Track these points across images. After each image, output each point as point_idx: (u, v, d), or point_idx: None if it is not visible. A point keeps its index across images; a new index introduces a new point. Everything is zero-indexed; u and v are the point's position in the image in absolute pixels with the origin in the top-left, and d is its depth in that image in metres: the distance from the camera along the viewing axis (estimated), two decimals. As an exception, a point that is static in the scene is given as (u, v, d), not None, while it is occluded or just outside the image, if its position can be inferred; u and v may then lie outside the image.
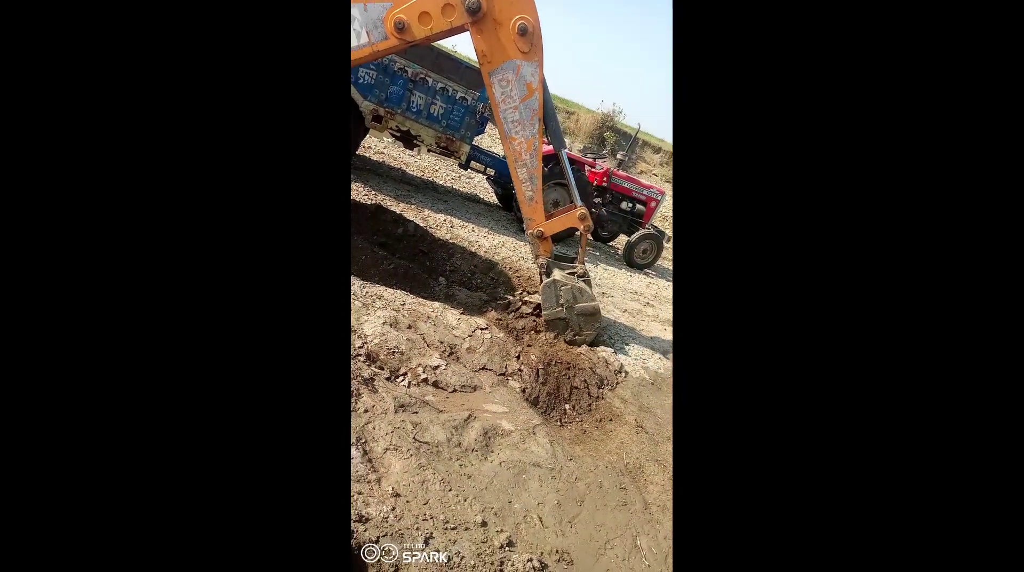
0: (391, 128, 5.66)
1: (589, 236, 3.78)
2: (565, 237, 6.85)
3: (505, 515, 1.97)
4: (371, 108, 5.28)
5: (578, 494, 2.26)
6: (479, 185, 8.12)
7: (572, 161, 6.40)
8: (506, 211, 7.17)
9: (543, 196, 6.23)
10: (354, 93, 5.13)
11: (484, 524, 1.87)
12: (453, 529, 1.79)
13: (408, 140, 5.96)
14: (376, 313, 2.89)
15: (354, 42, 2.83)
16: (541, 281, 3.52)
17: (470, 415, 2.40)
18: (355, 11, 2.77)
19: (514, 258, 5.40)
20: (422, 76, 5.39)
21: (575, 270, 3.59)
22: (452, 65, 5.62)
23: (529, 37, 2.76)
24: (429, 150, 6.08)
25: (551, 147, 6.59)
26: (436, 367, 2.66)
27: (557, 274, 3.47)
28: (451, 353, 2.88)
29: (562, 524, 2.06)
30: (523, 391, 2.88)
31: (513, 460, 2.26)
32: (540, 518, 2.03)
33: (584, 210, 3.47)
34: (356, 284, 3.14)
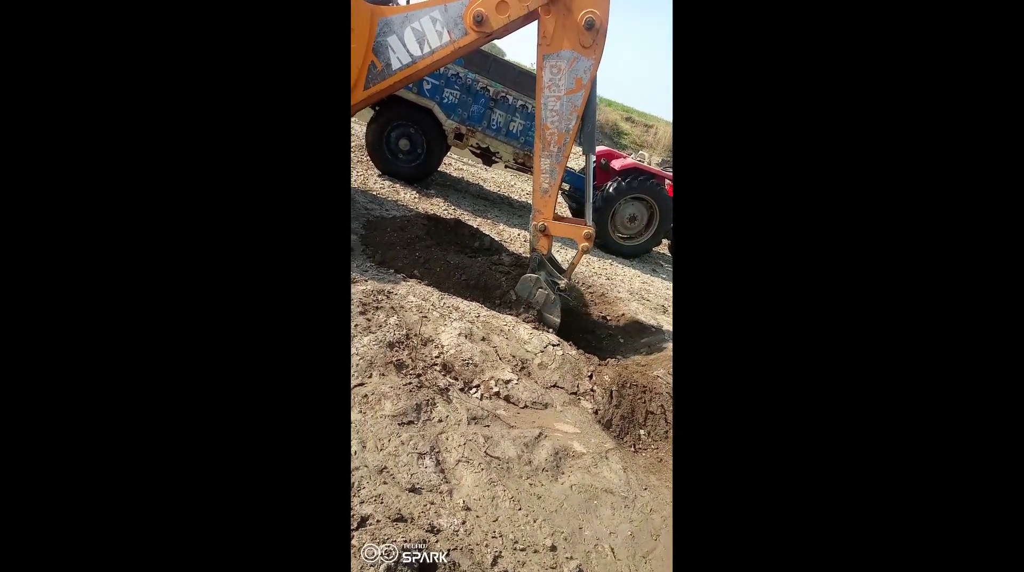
0: (471, 145, 5.86)
1: (586, 253, 3.61)
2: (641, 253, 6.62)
3: (575, 541, 1.89)
4: (453, 126, 5.51)
5: (653, 528, 2.12)
6: (553, 199, 8.13)
7: (651, 175, 6.20)
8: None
9: (620, 207, 6.12)
10: (438, 112, 5.39)
11: (553, 548, 1.81)
12: (522, 550, 1.75)
13: (487, 156, 6.13)
14: (452, 324, 2.96)
15: (436, 43, 2.97)
16: (528, 268, 3.53)
17: (541, 433, 2.35)
18: (436, 13, 2.91)
19: (587, 274, 5.31)
20: (503, 95, 5.54)
21: (559, 282, 3.51)
22: (532, 83, 5.72)
23: (593, 32, 2.77)
24: (507, 166, 6.20)
25: (633, 161, 6.46)
26: (508, 381, 2.66)
27: (542, 276, 3.43)
28: (523, 368, 2.86)
29: (635, 558, 1.94)
30: (595, 412, 2.78)
31: (584, 484, 2.17)
32: (612, 549, 1.93)
33: (592, 231, 3.36)
34: (435, 295, 3.25)
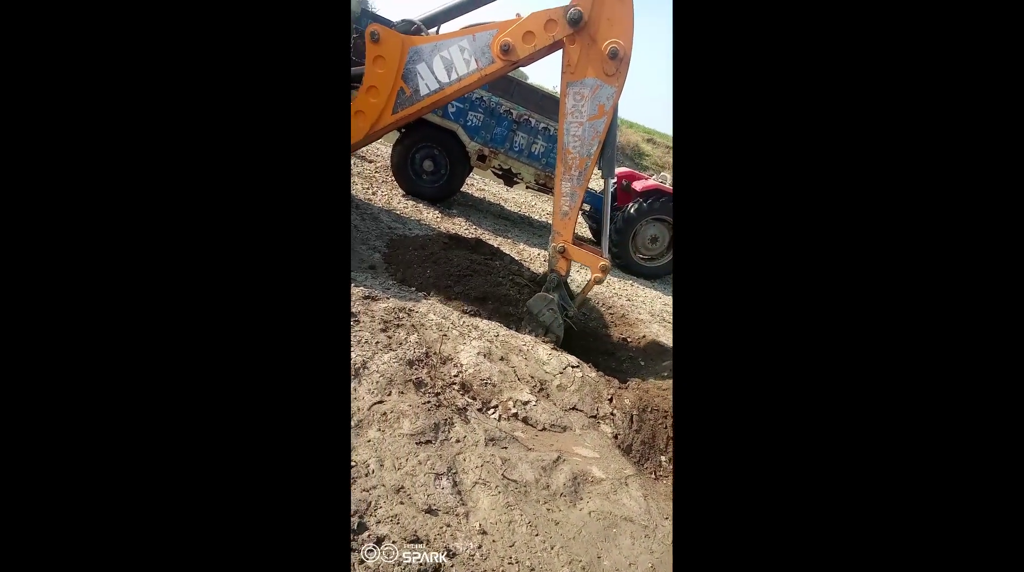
0: (494, 166, 5.96)
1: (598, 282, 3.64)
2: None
3: (594, 571, 1.83)
4: (477, 148, 5.63)
5: (675, 561, 2.03)
6: (574, 220, 8.16)
7: (671, 196, 6.17)
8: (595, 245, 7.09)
9: (641, 228, 6.09)
10: (461, 134, 5.51)
11: (571, 578, 1.75)
12: (538, 579, 1.70)
13: (509, 177, 6.22)
14: (471, 343, 2.97)
15: (463, 70, 3.09)
16: (541, 286, 3.53)
17: (559, 457, 2.31)
18: (464, 42, 3.03)
19: (607, 294, 5.26)
20: (526, 117, 5.64)
21: (568, 310, 3.52)
22: (555, 106, 5.81)
23: (617, 62, 2.83)
24: (528, 187, 6.27)
25: (654, 183, 6.45)
26: (526, 403, 2.63)
27: (556, 297, 3.43)
28: (541, 389, 2.83)
29: (656, 593, 1.86)
30: (615, 437, 2.72)
31: (603, 511, 2.11)
32: (631, 581, 1.86)
33: (608, 264, 3.39)
34: (454, 314, 3.27)
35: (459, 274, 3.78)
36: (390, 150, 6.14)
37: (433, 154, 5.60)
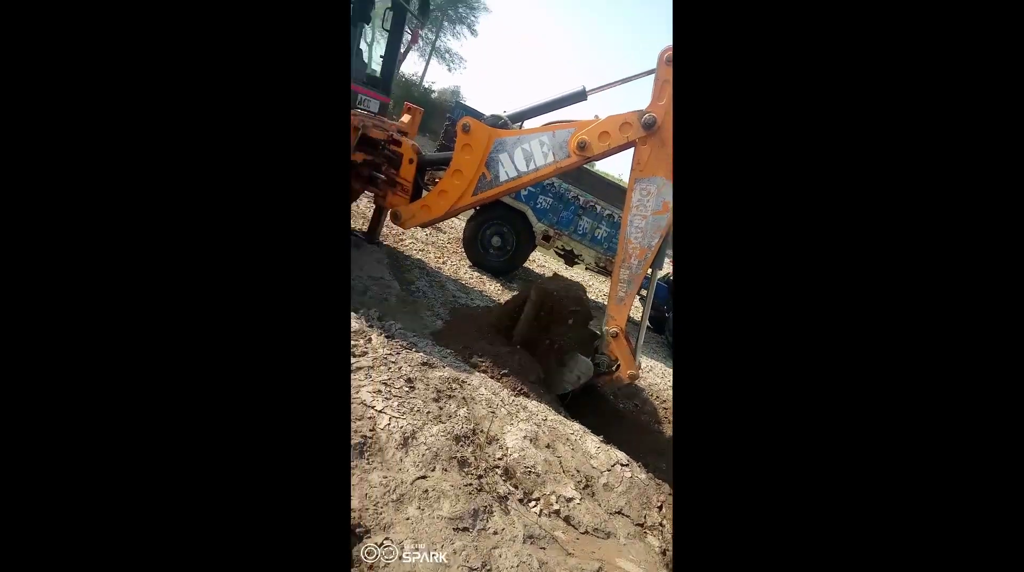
0: (557, 247, 6.17)
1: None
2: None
3: None
4: (543, 229, 5.89)
5: None
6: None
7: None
8: (656, 333, 6.89)
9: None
10: (530, 216, 5.82)
11: None
12: None
13: (571, 258, 6.38)
14: (519, 424, 2.92)
15: (541, 162, 3.35)
16: (592, 359, 3.48)
17: (600, 568, 2.12)
18: (544, 137, 3.30)
19: (662, 386, 5.03)
20: (592, 203, 5.88)
21: (578, 384, 3.55)
22: (619, 194, 6.03)
23: None
24: (587, 268, 6.37)
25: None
26: (570, 500, 2.49)
27: (595, 380, 3.49)
28: (586, 486, 2.68)
29: None
30: (663, 553, 2.47)
31: (645, 645, 1.88)
32: None
33: (637, 373, 3.48)
34: (505, 392, 3.26)
35: (512, 352, 3.81)
36: (463, 224, 6.57)
37: (502, 231, 5.92)
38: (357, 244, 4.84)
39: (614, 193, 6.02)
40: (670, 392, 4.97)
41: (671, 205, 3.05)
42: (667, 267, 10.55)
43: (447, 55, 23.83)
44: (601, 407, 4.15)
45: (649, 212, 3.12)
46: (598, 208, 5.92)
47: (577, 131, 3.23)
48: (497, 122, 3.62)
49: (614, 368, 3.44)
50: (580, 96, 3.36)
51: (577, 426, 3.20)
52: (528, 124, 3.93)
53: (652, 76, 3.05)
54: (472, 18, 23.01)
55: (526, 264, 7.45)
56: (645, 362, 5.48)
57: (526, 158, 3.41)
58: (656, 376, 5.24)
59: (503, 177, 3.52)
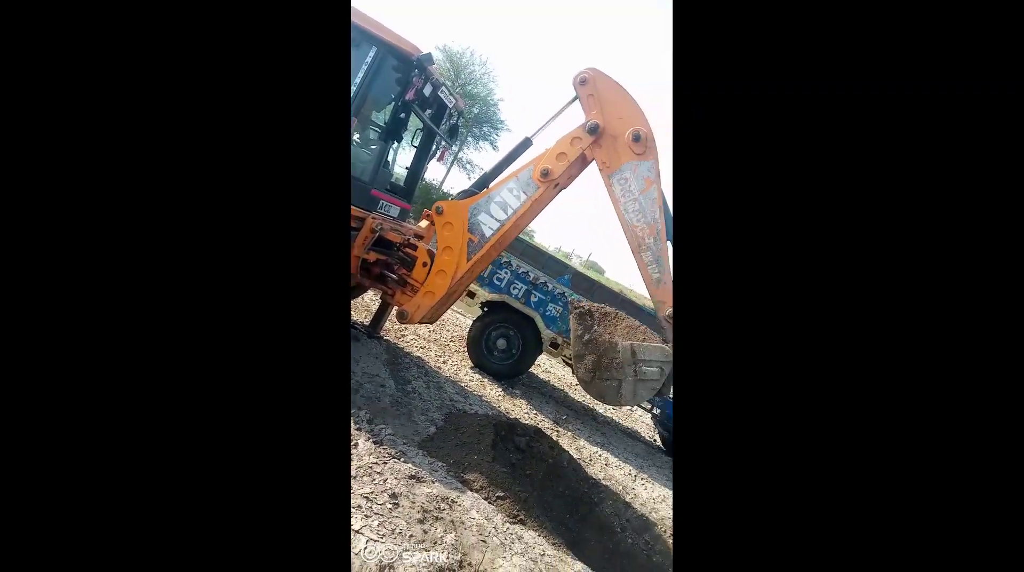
0: (565, 355, 6.07)
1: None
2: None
3: None
4: (551, 336, 5.86)
5: None
6: (640, 420, 7.68)
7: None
8: (669, 457, 6.43)
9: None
10: (539, 321, 5.84)
11: None
12: None
13: (577, 367, 6.25)
14: (512, 559, 2.58)
15: (516, 204, 3.56)
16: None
17: None
18: (511, 184, 3.55)
19: (665, 513, 4.54)
20: (602, 315, 5.92)
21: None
22: (631, 307, 6.09)
23: (643, 142, 3.17)
24: (595, 379, 6.19)
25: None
26: (568, 668, 2.09)
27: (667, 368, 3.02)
28: (588, 649, 2.27)
29: None
30: None
31: None
32: None
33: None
34: (499, 517, 2.95)
35: (510, 472, 3.54)
36: (469, 322, 6.59)
37: (508, 334, 5.90)
38: (357, 337, 4.81)
39: (627, 307, 6.09)
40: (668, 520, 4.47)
41: (653, 178, 3.19)
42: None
43: (468, 165, 26.24)
44: (606, 542, 3.71)
45: (637, 193, 3.24)
46: (607, 318, 5.95)
47: (537, 164, 3.50)
48: (465, 195, 3.85)
49: None
50: (526, 144, 3.67)
51: (579, 567, 2.82)
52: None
53: (577, 102, 3.40)
54: (495, 135, 25.79)
55: (532, 370, 7.29)
56: (658, 492, 5.02)
57: (502, 207, 3.62)
58: (669, 508, 4.76)
59: (488, 233, 3.68)
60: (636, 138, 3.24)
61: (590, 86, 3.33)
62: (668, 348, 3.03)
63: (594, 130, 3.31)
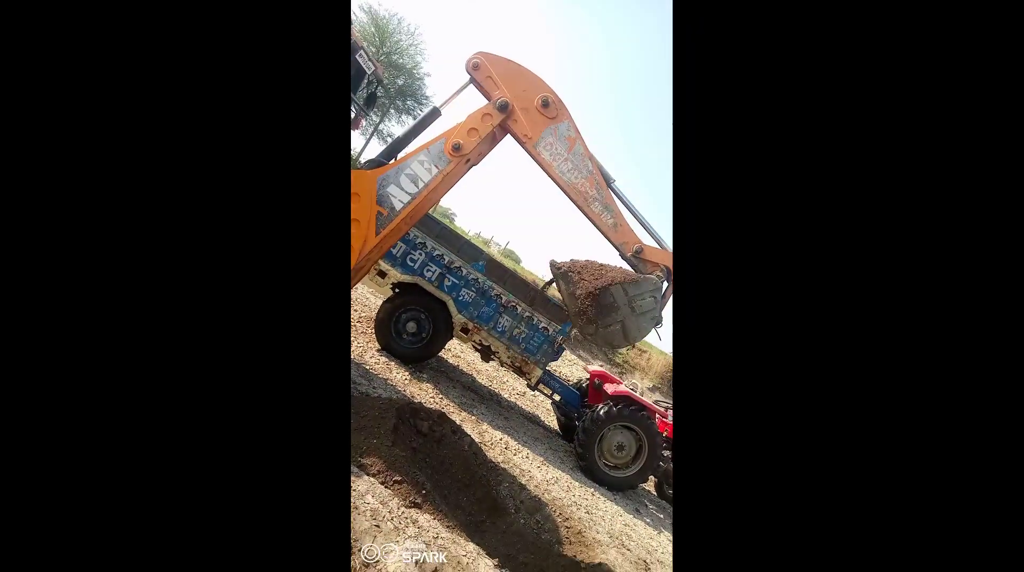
0: (475, 341, 6.14)
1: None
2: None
3: None
4: (463, 321, 5.88)
5: None
6: (541, 405, 8.06)
7: (642, 407, 6.26)
8: (565, 441, 6.85)
9: (609, 433, 5.99)
10: (451, 306, 5.83)
11: None
12: None
13: (487, 353, 6.36)
14: (405, 543, 2.60)
15: (427, 177, 3.52)
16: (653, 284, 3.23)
17: None
18: (422, 155, 3.52)
19: (566, 501, 4.87)
20: (513, 304, 6.07)
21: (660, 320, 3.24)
22: (544, 301, 6.32)
23: (553, 105, 3.40)
24: (503, 364, 6.37)
25: (626, 389, 6.61)
26: (452, 644, 2.18)
27: (660, 303, 3.19)
28: (474, 624, 2.38)
29: None
30: None
31: None
32: None
33: (668, 253, 3.31)
34: (394, 502, 2.95)
35: (410, 456, 3.54)
36: (379, 303, 6.38)
37: (419, 317, 5.81)
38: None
39: (539, 299, 6.30)
40: (575, 509, 4.82)
41: (573, 135, 3.41)
42: (579, 372, 10.84)
43: (389, 138, 25.07)
44: (500, 523, 3.88)
45: (565, 153, 3.42)
46: (519, 309, 6.11)
47: (448, 138, 3.52)
48: (373, 164, 3.78)
49: (663, 275, 3.24)
50: (435, 114, 3.67)
51: (472, 547, 2.93)
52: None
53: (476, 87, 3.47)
54: (419, 110, 24.86)
55: (441, 353, 7.28)
56: (551, 474, 5.34)
57: (412, 180, 3.58)
58: (561, 489, 5.09)
59: (398, 205, 3.62)
60: (545, 104, 3.40)
61: (484, 70, 3.43)
62: (652, 277, 3.22)
63: (504, 107, 3.40)
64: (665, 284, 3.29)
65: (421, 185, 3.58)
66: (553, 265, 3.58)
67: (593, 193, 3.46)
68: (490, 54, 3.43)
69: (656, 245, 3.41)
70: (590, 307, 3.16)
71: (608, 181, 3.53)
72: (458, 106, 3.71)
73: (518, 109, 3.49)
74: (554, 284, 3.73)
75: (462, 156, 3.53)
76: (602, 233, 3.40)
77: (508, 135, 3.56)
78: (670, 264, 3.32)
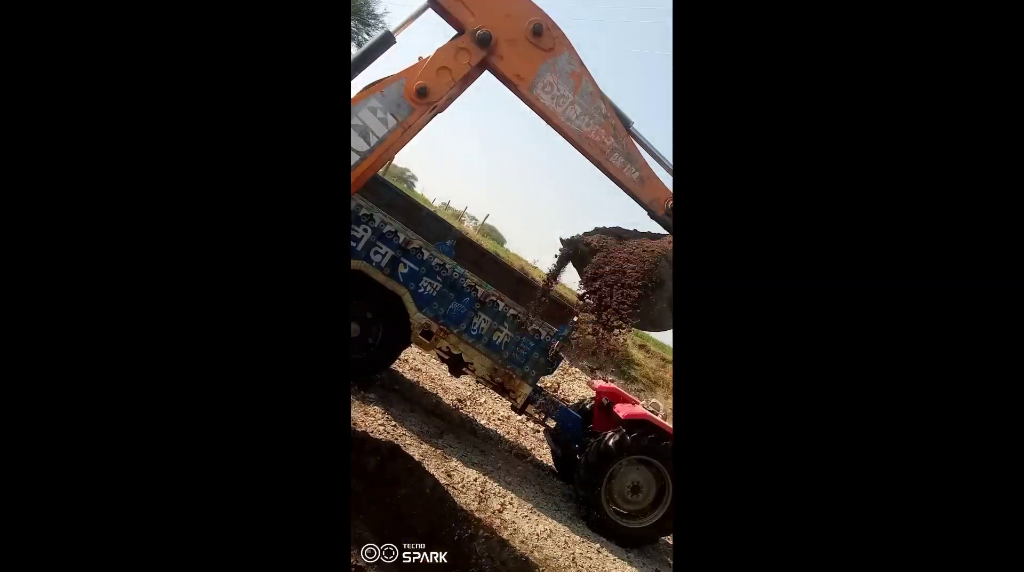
0: (440, 348, 6.09)
1: None
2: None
3: None
4: (423, 322, 5.82)
5: None
6: (530, 436, 8.08)
7: (665, 435, 6.31)
8: (562, 482, 6.88)
9: (621, 470, 6.02)
10: (407, 301, 5.76)
11: None
12: None
13: (457, 365, 6.31)
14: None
15: (381, 130, 3.44)
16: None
17: None
18: (373, 102, 3.45)
19: (562, 562, 4.89)
20: (493, 298, 6.02)
21: None
22: (531, 293, 6.28)
23: (547, 34, 3.35)
24: (479, 381, 6.35)
25: (643, 411, 6.65)
26: None
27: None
28: None
29: None
30: None
31: None
32: None
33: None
34: None
35: (350, 504, 3.49)
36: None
37: (365, 318, 5.73)
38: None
39: (525, 292, 6.26)
40: (569, 568, 4.85)
41: (578, 70, 3.43)
42: (582, 388, 10.86)
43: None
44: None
45: (571, 95, 3.43)
46: (500, 306, 6.05)
47: (408, 79, 3.43)
48: None
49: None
50: (388, 41, 3.53)
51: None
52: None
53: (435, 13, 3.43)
54: (364, 35, 24.55)
55: (395, 365, 7.22)
56: (544, 525, 5.34)
57: (362, 134, 3.47)
58: (556, 546, 5.11)
59: None
60: (537, 31, 3.33)
61: None
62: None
63: (485, 40, 3.32)
64: None
65: (374, 141, 3.47)
66: (574, 242, 3.74)
67: (612, 142, 3.47)
68: None
69: None
70: (643, 291, 3.47)
71: (626, 124, 3.56)
72: (417, 30, 3.65)
73: (503, 41, 3.41)
74: (560, 270, 3.86)
75: (428, 104, 3.46)
76: (626, 190, 3.53)
77: (487, 72, 3.49)
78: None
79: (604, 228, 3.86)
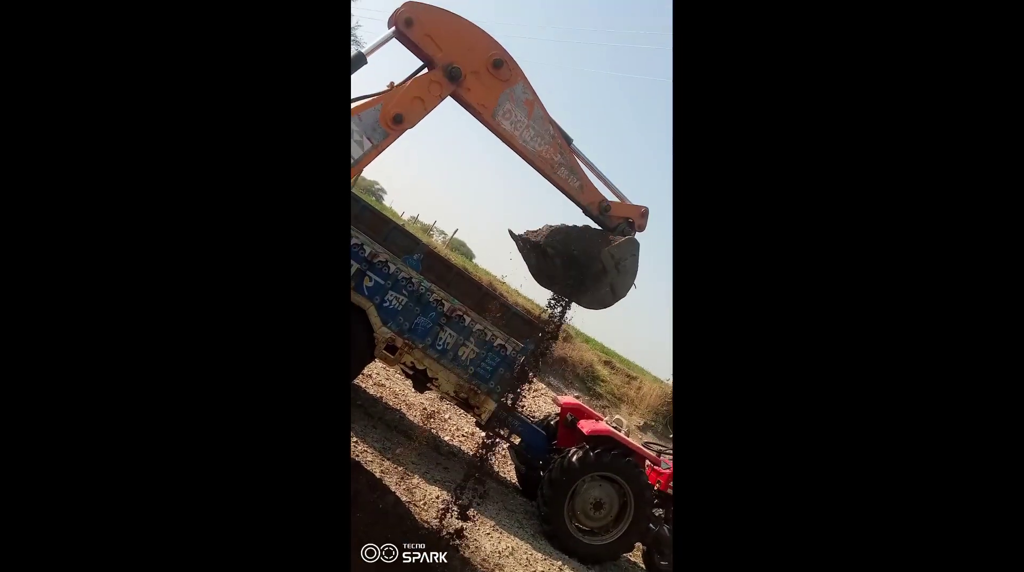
0: (404, 363, 6.04)
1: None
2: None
3: None
4: (388, 336, 5.77)
5: None
6: (494, 451, 8.03)
7: (629, 451, 6.37)
8: (525, 499, 6.86)
9: (584, 487, 6.04)
10: (372, 315, 5.71)
11: None
12: None
13: (421, 381, 6.27)
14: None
15: (358, 152, 3.69)
16: (616, 234, 4.29)
17: None
18: (352, 125, 3.68)
19: (523, 579, 4.86)
20: (459, 313, 6.02)
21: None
22: (502, 310, 6.30)
23: (505, 67, 3.80)
24: (443, 397, 6.31)
25: (607, 427, 6.70)
26: None
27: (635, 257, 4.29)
28: None
29: None
30: None
31: None
32: None
33: (646, 209, 4.42)
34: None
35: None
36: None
37: (327, 330, 5.66)
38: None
39: (494, 307, 6.28)
40: (534, 589, 4.82)
41: (531, 98, 3.96)
42: (547, 405, 10.85)
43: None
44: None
45: (526, 120, 3.94)
46: (467, 320, 6.05)
47: (385, 105, 3.69)
48: None
49: (630, 229, 4.29)
50: (360, 61, 3.75)
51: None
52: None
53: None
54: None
55: (359, 380, 7.12)
56: (504, 543, 5.31)
57: None
58: (518, 563, 5.08)
59: None
60: (497, 65, 3.76)
61: (419, 27, 3.61)
62: (632, 238, 4.27)
63: (455, 75, 3.66)
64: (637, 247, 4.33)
65: (352, 163, 3.66)
66: (523, 237, 4.35)
67: (558, 158, 4.05)
68: (425, 5, 3.61)
69: (616, 198, 4.31)
70: (577, 273, 4.30)
71: (568, 141, 4.15)
72: (386, 53, 3.88)
73: (469, 74, 3.77)
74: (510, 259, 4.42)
75: (402, 130, 3.73)
76: (568, 196, 4.15)
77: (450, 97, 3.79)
78: (634, 215, 4.34)
79: (552, 225, 4.64)
